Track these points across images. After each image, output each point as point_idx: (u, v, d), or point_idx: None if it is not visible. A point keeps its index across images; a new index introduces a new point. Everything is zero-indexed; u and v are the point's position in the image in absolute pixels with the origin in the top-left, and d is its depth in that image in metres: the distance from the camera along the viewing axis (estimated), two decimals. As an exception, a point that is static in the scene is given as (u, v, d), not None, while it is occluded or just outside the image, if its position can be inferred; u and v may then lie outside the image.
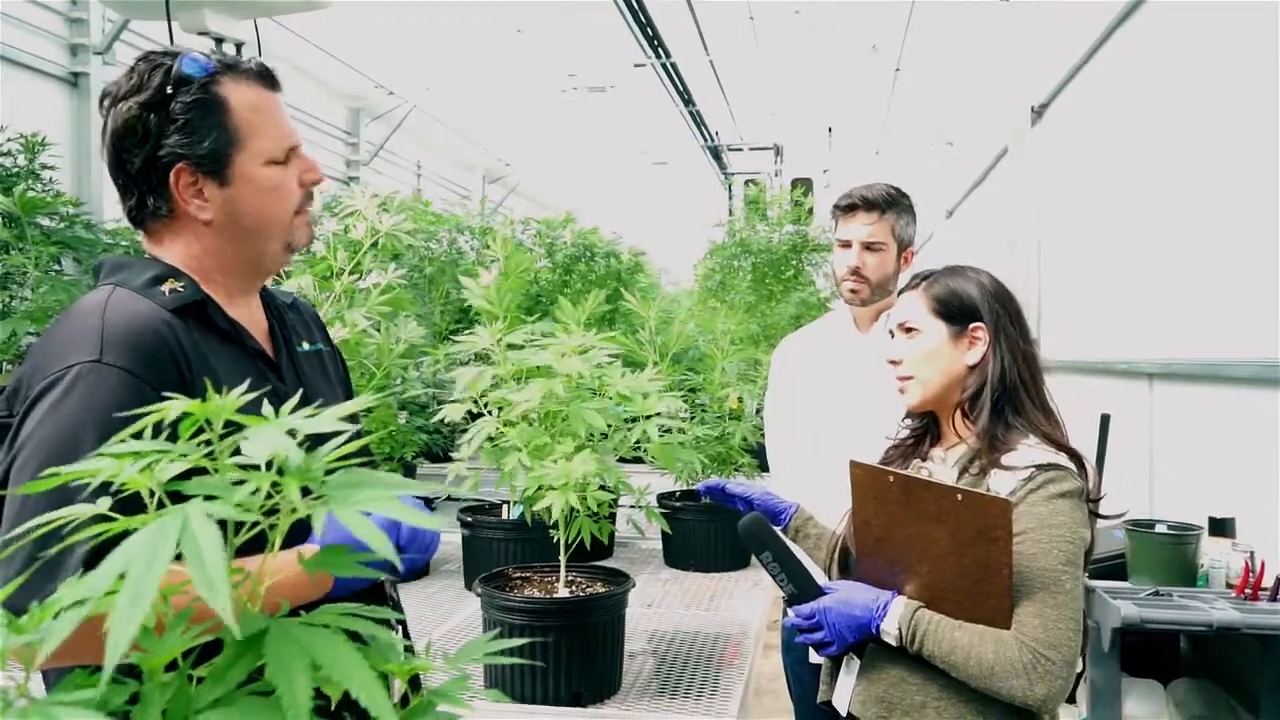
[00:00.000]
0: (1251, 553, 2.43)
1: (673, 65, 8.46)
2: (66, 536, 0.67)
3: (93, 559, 0.66)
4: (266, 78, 1.19)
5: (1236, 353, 2.76)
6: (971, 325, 1.47)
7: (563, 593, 2.07)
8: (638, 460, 3.24)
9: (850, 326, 2.28)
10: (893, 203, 2.17)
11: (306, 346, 1.30)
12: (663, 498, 3.45)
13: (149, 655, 0.59)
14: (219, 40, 4.28)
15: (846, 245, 2.18)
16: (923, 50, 7.19)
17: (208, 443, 0.68)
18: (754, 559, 1.58)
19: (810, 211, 6.46)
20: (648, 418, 2.25)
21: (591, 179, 11.97)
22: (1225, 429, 2.84)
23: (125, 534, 0.61)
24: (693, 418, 3.51)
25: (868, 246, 2.16)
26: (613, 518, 3.06)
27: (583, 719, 1.91)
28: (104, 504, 0.67)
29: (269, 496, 0.66)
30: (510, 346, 2.12)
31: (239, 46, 4.37)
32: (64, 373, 1.01)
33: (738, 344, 3.57)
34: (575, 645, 1.96)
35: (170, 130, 1.11)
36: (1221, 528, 2.48)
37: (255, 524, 0.65)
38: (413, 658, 0.69)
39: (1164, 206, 3.45)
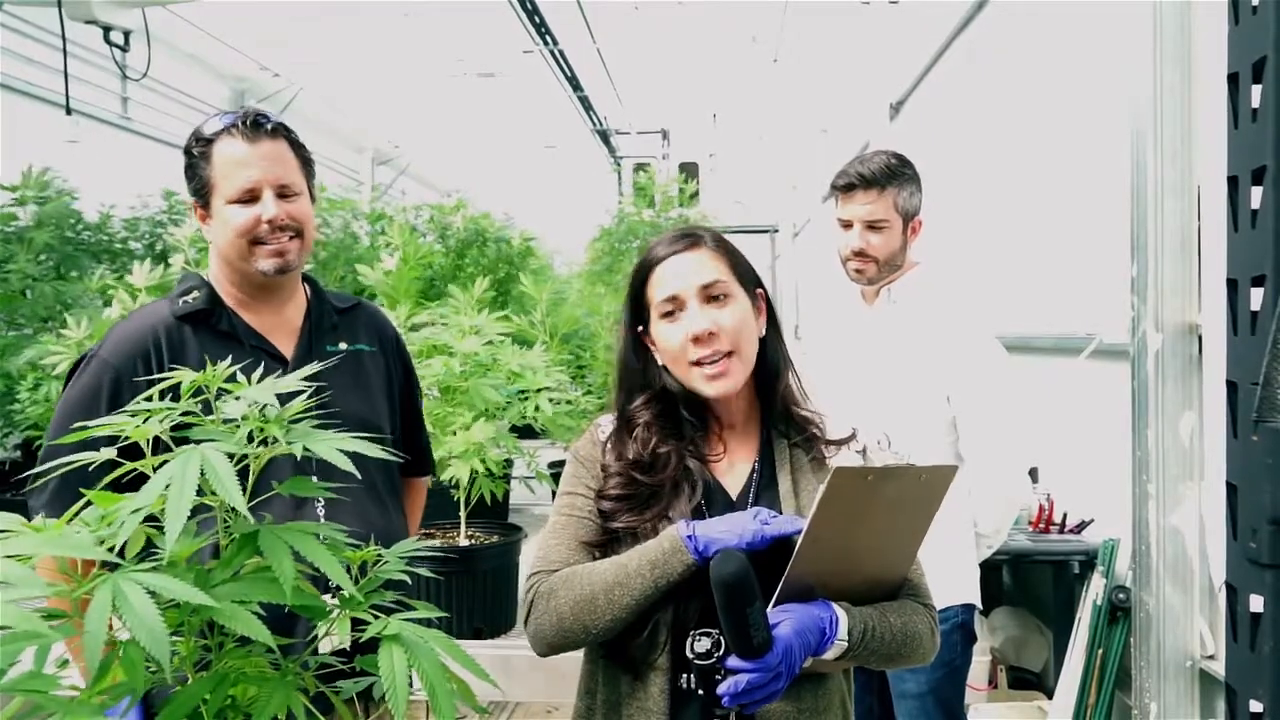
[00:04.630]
0: (1048, 494, 2.88)
1: (560, 52, 8.66)
2: (90, 472, 0.93)
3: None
4: (254, 128, 1.44)
5: (1042, 328, 3.23)
6: None
7: (463, 543, 2.34)
8: (532, 435, 3.51)
9: (856, 299, 2.19)
10: (893, 175, 2.03)
11: (343, 346, 1.53)
12: (554, 464, 3.75)
13: (175, 549, 0.85)
14: (107, 29, 4.31)
15: (848, 226, 2.06)
16: (797, 44, 7.60)
17: (205, 403, 0.93)
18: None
19: (694, 196, 6.80)
20: (538, 391, 2.52)
21: (483, 161, 12.06)
22: (1034, 390, 3.30)
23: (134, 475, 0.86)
24: (583, 392, 3.80)
25: (870, 226, 2.03)
26: (507, 479, 3.33)
27: (483, 649, 2.20)
28: (108, 452, 0.93)
29: (250, 440, 0.92)
30: (413, 328, 2.37)
31: (127, 34, 4.41)
32: (87, 356, 1.44)
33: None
34: (474, 588, 2.24)
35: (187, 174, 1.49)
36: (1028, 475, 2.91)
37: (244, 460, 0.91)
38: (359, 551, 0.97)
39: (995, 196, 3.92)
